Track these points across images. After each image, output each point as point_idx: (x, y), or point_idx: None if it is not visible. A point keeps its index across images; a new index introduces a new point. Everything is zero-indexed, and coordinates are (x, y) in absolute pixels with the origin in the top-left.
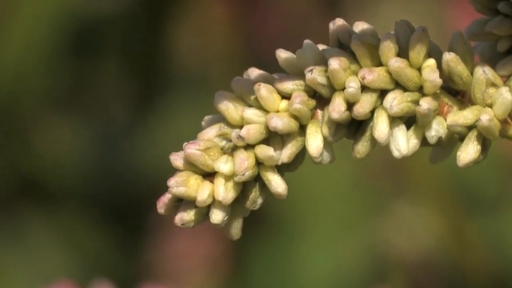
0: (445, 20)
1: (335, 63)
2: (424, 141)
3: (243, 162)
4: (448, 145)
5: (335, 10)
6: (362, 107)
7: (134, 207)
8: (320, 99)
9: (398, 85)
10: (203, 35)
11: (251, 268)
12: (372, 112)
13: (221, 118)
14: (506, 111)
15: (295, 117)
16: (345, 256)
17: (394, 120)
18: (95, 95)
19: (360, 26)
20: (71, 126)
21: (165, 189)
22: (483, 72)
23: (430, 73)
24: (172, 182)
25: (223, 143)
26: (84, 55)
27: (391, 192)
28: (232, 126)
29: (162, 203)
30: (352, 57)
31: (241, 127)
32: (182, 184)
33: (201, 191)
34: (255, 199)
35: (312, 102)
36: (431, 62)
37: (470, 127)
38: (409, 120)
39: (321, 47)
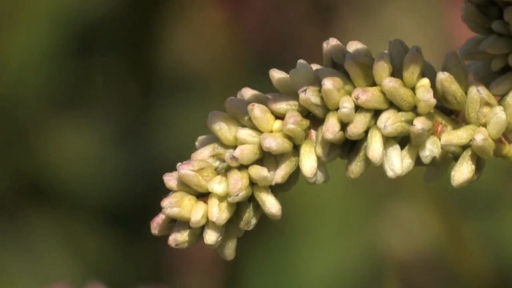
0: (448, 22)
1: (328, 83)
2: (418, 161)
3: (237, 183)
4: (442, 165)
5: (335, 13)
6: (356, 127)
7: (135, 209)
8: (314, 119)
9: (392, 105)
10: (202, 37)
11: (251, 269)
12: (366, 132)
13: (214, 138)
14: (500, 131)
15: (288, 137)
16: (344, 257)
17: (388, 140)
18: (97, 97)
19: (354, 46)
20: (73, 128)
21: (166, 191)
22: (477, 92)
23: (424, 92)
24: (166, 202)
25: (217, 163)
26: (86, 56)
27: (388, 192)
28: (225, 146)
29: (156, 224)
30: (346, 77)
31: (234, 147)
32: (176, 204)
33: (195, 212)
34: (249, 219)
35: (306, 122)
36: (425, 81)
37: (465, 147)
38: (403, 139)
39: (314, 66)
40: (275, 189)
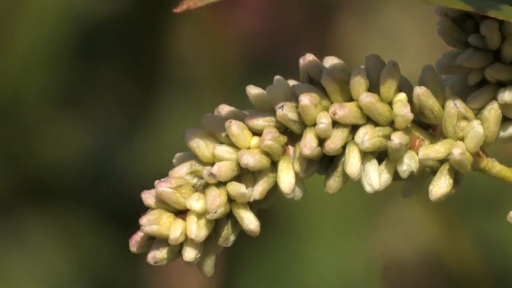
0: None
1: (305, 99)
2: (396, 176)
3: (215, 200)
4: (420, 179)
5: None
6: (334, 143)
7: (134, 209)
8: (291, 135)
9: (369, 120)
10: (201, 38)
11: (251, 269)
12: (344, 147)
13: (192, 155)
14: (478, 144)
15: (266, 153)
16: (344, 257)
17: (365, 155)
18: (97, 97)
19: (330, 61)
20: (73, 128)
21: (145, 208)
22: (454, 106)
23: (401, 107)
24: (144, 220)
25: (195, 180)
26: (87, 57)
27: (388, 192)
28: (203, 163)
29: (135, 242)
30: (323, 92)
31: (212, 164)
32: (154, 222)
33: (173, 229)
34: (227, 236)
35: (283, 138)
36: (402, 96)
37: (442, 161)
38: (381, 154)
39: (291, 82)
40: (254, 206)
